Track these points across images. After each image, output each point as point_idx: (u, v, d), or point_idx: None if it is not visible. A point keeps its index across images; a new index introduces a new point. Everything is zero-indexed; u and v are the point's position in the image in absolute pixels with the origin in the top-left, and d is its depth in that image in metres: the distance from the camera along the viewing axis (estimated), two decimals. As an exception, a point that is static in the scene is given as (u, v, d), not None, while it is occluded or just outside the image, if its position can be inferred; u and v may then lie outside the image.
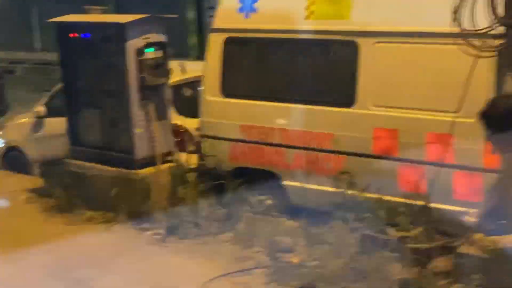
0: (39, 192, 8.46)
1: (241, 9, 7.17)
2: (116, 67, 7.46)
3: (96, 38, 7.64)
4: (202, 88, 7.56)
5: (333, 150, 6.66)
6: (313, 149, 6.80)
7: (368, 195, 6.28)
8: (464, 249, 4.98)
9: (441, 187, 5.86)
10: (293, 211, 6.89)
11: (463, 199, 5.82)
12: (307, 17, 6.77)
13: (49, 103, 9.41)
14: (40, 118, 9.44)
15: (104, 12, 8.62)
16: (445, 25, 5.38)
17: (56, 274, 6.27)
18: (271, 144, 7.08)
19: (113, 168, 7.58)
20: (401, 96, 6.27)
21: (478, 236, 4.12)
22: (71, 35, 7.81)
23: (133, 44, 7.30)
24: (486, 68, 5.57)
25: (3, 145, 9.99)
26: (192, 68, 8.29)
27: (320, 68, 6.85)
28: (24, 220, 7.77)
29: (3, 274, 6.27)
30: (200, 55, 14.06)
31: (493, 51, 5.35)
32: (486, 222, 4.02)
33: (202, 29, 15.81)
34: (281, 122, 7.01)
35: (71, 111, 8.12)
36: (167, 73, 7.57)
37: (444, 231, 5.74)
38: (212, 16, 9.14)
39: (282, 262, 6.10)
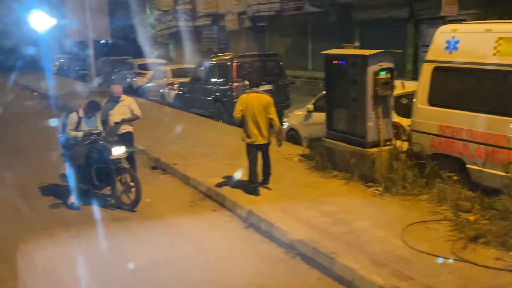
0: (306, 157, 8.66)
1: (446, 48, 6.91)
2: (359, 82, 7.48)
3: (348, 64, 7.70)
4: (415, 99, 7.37)
5: (506, 146, 6.22)
6: (491, 145, 6.40)
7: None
8: None
9: None
10: (473, 185, 6.60)
11: None
12: (494, 54, 6.32)
13: (315, 103, 9.52)
14: (309, 112, 9.57)
15: (355, 48, 8.65)
16: None
17: (311, 206, 6.51)
18: (460, 139, 6.79)
19: (352, 147, 7.64)
20: None
21: None
22: (334, 62, 7.95)
23: (371, 68, 7.31)
24: None
25: (287, 127, 10.27)
26: (408, 85, 8.05)
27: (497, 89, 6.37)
28: (295, 173, 8.08)
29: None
30: (413, 77, 13.53)
31: None
32: None
33: (416, 59, 15.20)
34: (468, 124, 6.65)
35: (329, 108, 8.21)
36: (392, 88, 7.46)
37: None
38: (424, 51, 8.82)
39: (462, 218, 5.94)
